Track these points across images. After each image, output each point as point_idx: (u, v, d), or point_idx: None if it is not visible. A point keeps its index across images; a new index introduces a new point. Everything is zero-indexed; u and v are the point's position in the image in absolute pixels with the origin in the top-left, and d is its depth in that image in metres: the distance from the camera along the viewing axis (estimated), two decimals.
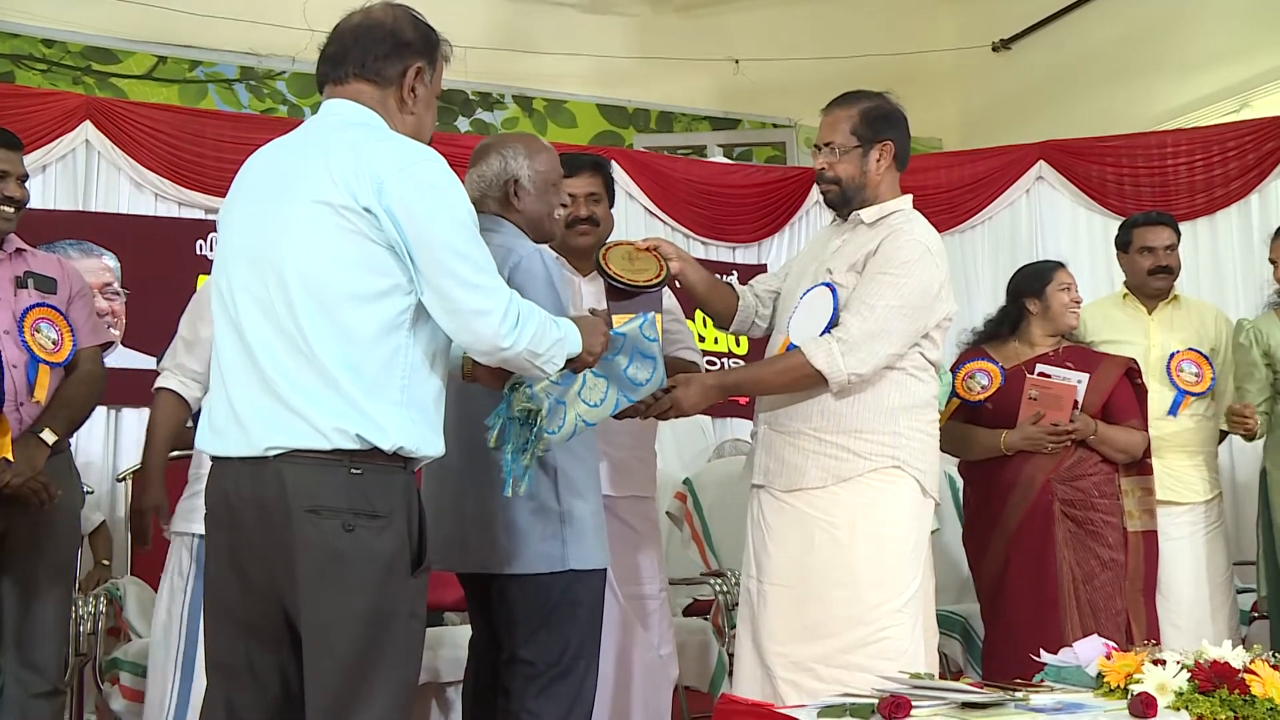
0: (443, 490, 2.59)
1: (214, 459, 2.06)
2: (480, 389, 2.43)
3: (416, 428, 2.02)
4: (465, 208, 2.04)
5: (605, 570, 2.62)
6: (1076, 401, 3.54)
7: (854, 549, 2.67)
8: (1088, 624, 3.36)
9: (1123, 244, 4.07)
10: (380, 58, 2.11)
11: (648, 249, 2.82)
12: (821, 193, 2.90)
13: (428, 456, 2.07)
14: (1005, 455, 3.55)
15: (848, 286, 2.73)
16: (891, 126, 2.82)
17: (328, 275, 1.95)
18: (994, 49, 6.97)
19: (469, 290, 1.99)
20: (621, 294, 2.75)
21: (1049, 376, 3.57)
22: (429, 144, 2.13)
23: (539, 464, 2.51)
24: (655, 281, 2.76)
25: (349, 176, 1.95)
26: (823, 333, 2.69)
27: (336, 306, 1.95)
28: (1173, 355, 3.91)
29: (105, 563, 4.05)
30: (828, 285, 2.75)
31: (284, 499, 1.93)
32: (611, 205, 3.33)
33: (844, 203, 2.85)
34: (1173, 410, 3.88)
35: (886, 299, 2.68)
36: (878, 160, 2.80)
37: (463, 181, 2.18)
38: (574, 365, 2.21)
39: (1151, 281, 4.01)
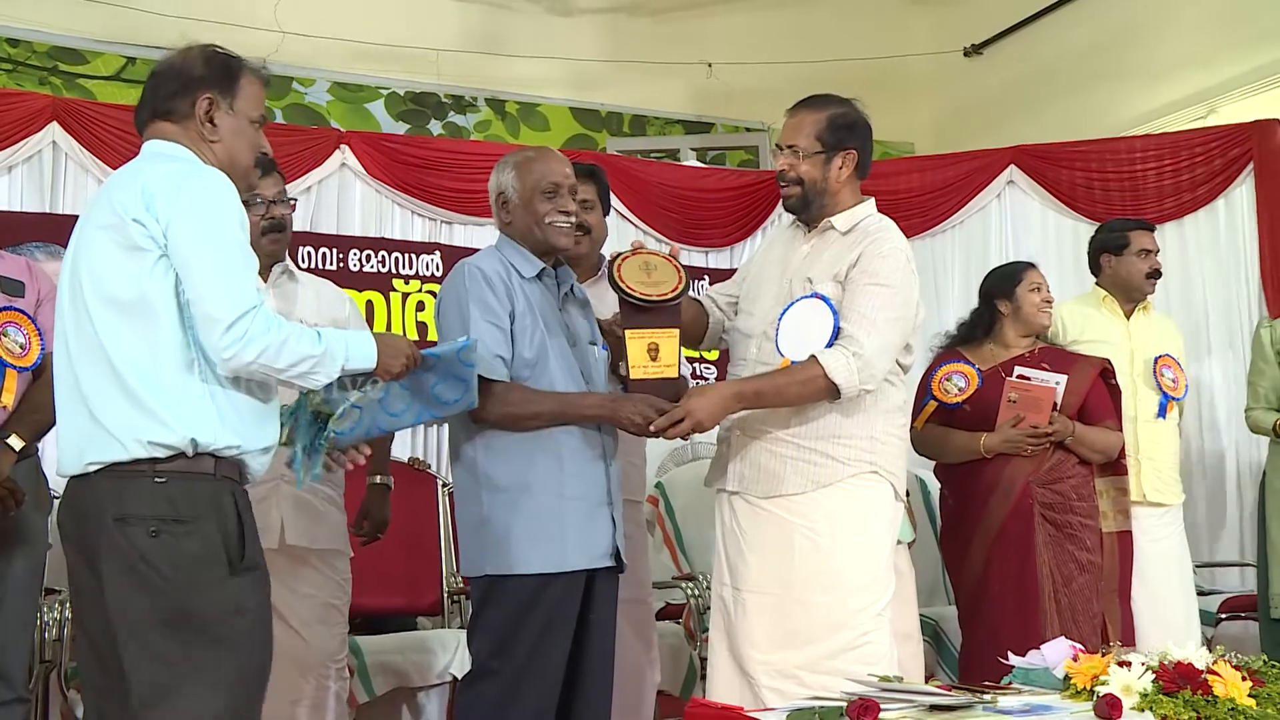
0: None
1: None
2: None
3: (220, 422, 2.13)
4: (229, 218, 2.14)
5: (544, 578, 2.54)
6: (1055, 403, 3.56)
7: (835, 555, 2.66)
8: (1067, 627, 3.38)
9: (1117, 246, 4.04)
10: (169, 96, 2.26)
11: (667, 257, 2.74)
12: (783, 196, 2.86)
13: (237, 447, 2.15)
14: (984, 458, 3.56)
15: (833, 298, 2.71)
16: (856, 136, 2.81)
17: (116, 290, 2.11)
18: (966, 54, 7.01)
19: (204, 298, 2.09)
20: (636, 309, 2.68)
21: (1028, 379, 3.58)
22: (250, 167, 2.31)
23: (469, 472, 2.61)
24: (672, 295, 2.68)
25: (127, 199, 2.12)
26: (829, 342, 2.66)
27: (130, 319, 2.10)
28: (1156, 359, 3.93)
29: None
30: (821, 298, 2.71)
31: (99, 511, 2.09)
32: (606, 213, 3.31)
33: (804, 207, 2.83)
34: (1161, 413, 3.91)
35: (885, 312, 2.67)
36: (840, 168, 2.80)
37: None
38: (375, 376, 2.30)
39: (1146, 285, 4.02)
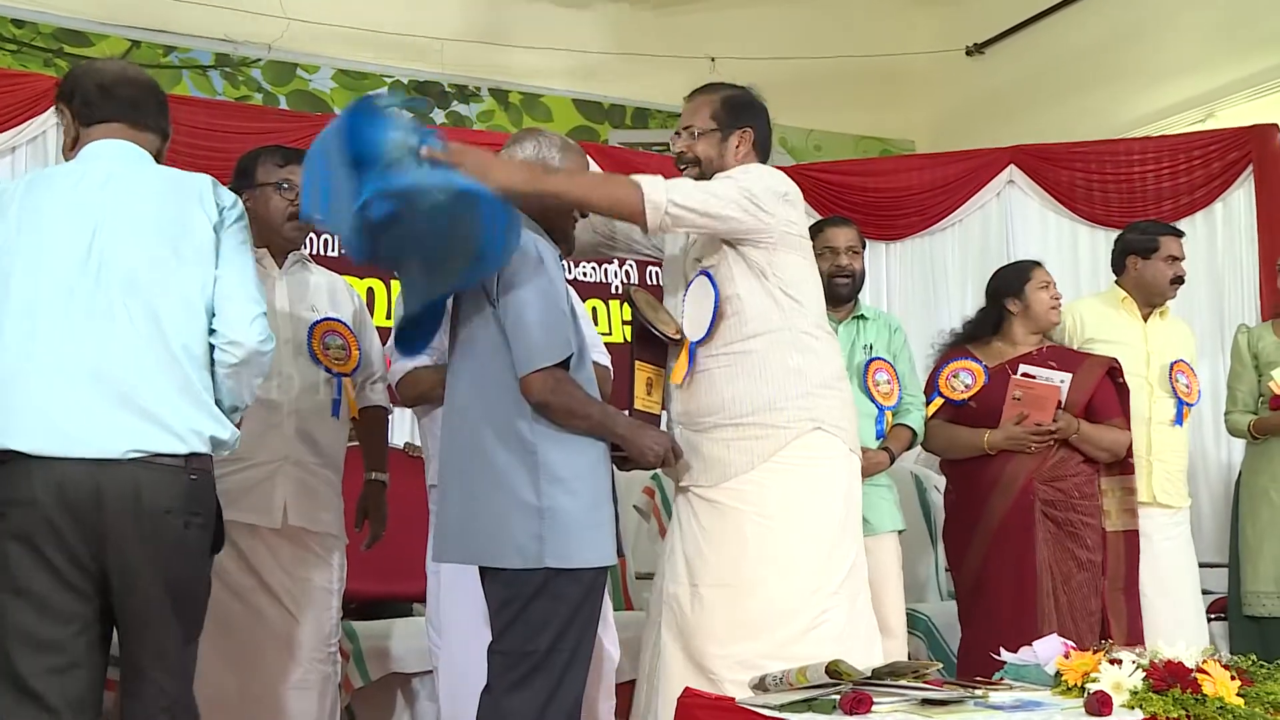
0: (442, 484, 2.62)
1: (39, 457, 2.15)
2: (468, 390, 2.53)
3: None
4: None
5: (598, 569, 2.51)
6: (1060, 401, 3.57)
7: (789, 536, 2.66)
8: (1064, 624, 3.39)
9: (1145, 249, 4.00)
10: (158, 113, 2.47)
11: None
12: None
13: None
14: (988, 454, 3.58)
15: (718, 265, 2.74)
16: (752, 115, 2.86)
17: (195, 290, 2.29)
18: (967, 53, 7.03)
19: (247, 293, 2.38)
20: (648, 341, 2.81)
21: (1033, 377, 3.58)
22: None
23: (520, 457, 2.45)
24: (677, 336, 2.80)
25: (205, 208, 2.33)
26: (711, 317, 2.71)
27: (198, 317, 2.29)
28: (1172, 365, 3.93)
29: None
30: (704, 274, 2.75)
31: (138, 500, 2.18)
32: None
33: None
34: (1179, 420, 3.91)
35: (723, 184, 2.71)
36: (737, 146, 2.83)
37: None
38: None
39: (1169, 290, 4.00)
